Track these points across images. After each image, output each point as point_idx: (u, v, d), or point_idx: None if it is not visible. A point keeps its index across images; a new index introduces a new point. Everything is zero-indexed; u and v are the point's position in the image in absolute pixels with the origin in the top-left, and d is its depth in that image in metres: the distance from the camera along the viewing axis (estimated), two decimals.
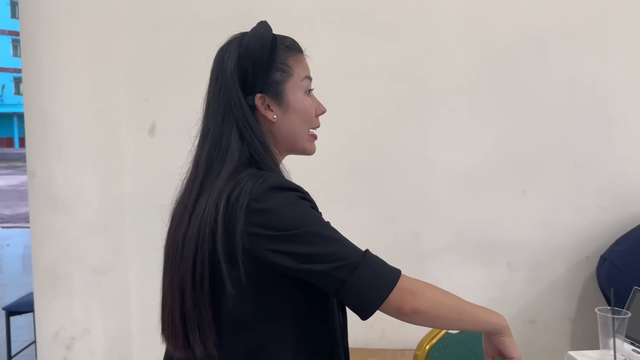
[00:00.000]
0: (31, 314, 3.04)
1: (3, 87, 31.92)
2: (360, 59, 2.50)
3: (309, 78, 1.08)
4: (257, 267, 0.94)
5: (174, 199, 1.09)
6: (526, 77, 2.51)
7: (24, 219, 9.89)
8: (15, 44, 30.66)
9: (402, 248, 2.55)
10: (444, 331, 1.74)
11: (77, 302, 2.42)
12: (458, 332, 1.76)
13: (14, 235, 8.84)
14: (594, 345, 1.72)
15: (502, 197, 2.56)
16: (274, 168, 1.03)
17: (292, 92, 1.05)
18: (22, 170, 16.99)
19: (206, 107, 1.06)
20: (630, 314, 1.61)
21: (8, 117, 31.97)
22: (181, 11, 2.54)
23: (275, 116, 1.04)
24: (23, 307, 3.38)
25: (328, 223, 0.96)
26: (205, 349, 0.98)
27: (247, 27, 1.09)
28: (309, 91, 1.08)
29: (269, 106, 1.04)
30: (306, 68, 1.09)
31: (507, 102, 2.52)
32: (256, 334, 0.98)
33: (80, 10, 2.38)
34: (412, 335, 1.80)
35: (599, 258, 2.47)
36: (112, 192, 2.51)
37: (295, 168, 1.13)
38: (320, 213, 1.00)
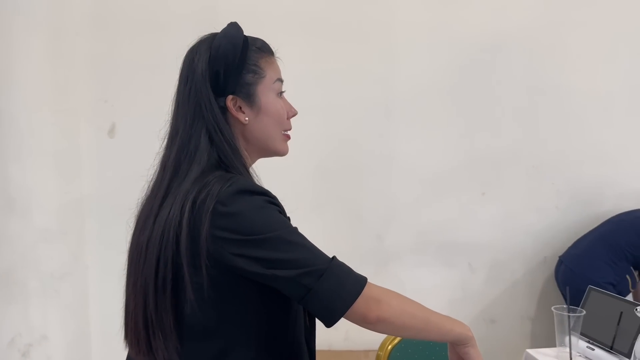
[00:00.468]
0: None
1: None
2: (325, 62, 2.52)
3: (281, 80, 1.08)
4: (221, 272, 0.93)
5: (139, 201, 1.06)
6: (487, 82, 2.57)
7: None
8: None
9: (367, 249, 2.57)
10: None
11: (33, 307, 2.36)
12: None
13: None
14: (552, 343, 1.77)
15: (463, 199, 2.61)
16: (243, 171, 1.01)
17: (264, 94, 1.04)
18: None
19: (175, 108, 1.04)
20: (585, 312, 1.66)
21: None
22: (142, 11, 2.50)
23: (247, 118, 1.03)
24: None
25: (295, 228, 0.96)
26: (167, 354, 0.96)
27: (210, 27, 1.08)
28: (280, 93, 1.08)
29: (240, 108, 1.03)
30: (277, 70, 1.08)
31: (469, 106, 2.58)
32: (218, 339, 0.97)
33: (37, 8, 2.32)
34: (376, 336, 1.81)
35: (557, 259, 2.54)
36: (70, 195, 2.46)
37: (259, 171, 1.12)
38: (289, 218, 0.99)
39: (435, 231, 2.61)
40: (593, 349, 1.67)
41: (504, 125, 2.58)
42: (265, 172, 1.12)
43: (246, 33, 1.06)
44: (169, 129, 1.04)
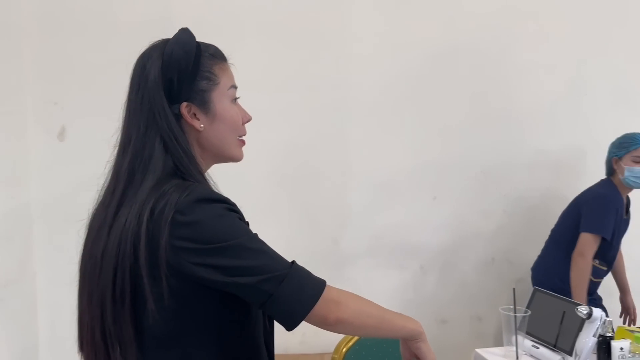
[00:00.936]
0: None
1: None
2: (280, 68, 2.53)
3: (235, 87, 1.08)
4: (181, 281, 0.93)
5: (90, 210, 1.04)
6: (438, 90, 2.64)
7: None
8: None
9: (322, 253, 2.59)
10: None
11: None
12: None
13: None
14: (499, 343, 1.84)
15: (415, 203, 2.68)
16: (200, 179, 1.01)
17: (219, 100, 1.04)
18: None
19: (126, 115, 1.02)
20: (530, 312, 1.73)
21: None
22: (94, 10, 2.44)
23: (202, 125, 1.02)
24: None
25: (256, 235, 0.96)
26: None
27: (163, 29, 1.06)
28: (234, 99, 1.08)
29: (195, 115, 1.02)
30: (231, 77, 1.08)
31: (420, 113, 2.65)
32: (180, 347, 0.97)
33: None
34: (331, 339, 1.83)
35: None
36: (16, 199, 2.37)
37: (215, 177, 1.12)
38: (248, 223, 1.00)
39: (388, 234, 2.66)
40: (538, 348, 1.74)
41: (453, 132, 2.66)
42: (221, 178, 1.12)
43: (201, 39, 1.06)
44: (120, 137, 1.02)
